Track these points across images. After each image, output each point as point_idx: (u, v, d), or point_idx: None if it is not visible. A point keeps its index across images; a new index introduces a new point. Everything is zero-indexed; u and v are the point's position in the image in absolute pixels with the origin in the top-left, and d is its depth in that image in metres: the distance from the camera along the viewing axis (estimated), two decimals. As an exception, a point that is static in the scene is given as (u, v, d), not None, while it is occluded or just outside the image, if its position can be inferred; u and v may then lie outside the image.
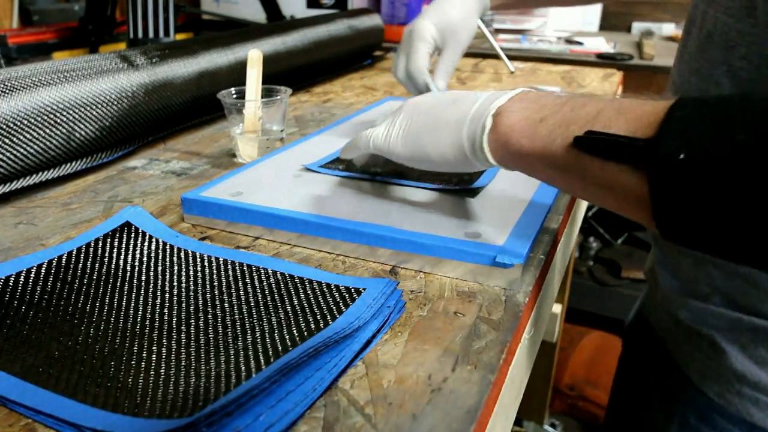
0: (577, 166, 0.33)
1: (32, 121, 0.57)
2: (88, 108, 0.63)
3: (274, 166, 0.58)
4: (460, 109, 0.40)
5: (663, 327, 0.59)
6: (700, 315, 0.52)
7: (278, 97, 0.66)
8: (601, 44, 1.41)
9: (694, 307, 0.53)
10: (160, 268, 0.43)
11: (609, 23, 1.85)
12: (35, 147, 0.58)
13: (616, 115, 0.31)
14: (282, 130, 0.67)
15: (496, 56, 1.17)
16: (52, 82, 0.60)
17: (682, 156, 0.27)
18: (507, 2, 0.75)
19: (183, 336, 0.35)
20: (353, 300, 0.38)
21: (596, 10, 1.77)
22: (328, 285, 0.40)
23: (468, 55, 1.32)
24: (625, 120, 0.31)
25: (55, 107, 0.59)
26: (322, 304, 0.38)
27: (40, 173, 0.60)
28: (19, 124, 0.56)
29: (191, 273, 0.42)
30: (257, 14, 1.46)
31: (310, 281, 0.41)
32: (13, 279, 0.41)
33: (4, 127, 0.55)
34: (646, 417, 0.63)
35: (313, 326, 0.35)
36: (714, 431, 0.53)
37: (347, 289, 0.39)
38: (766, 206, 0.25)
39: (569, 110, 0.34)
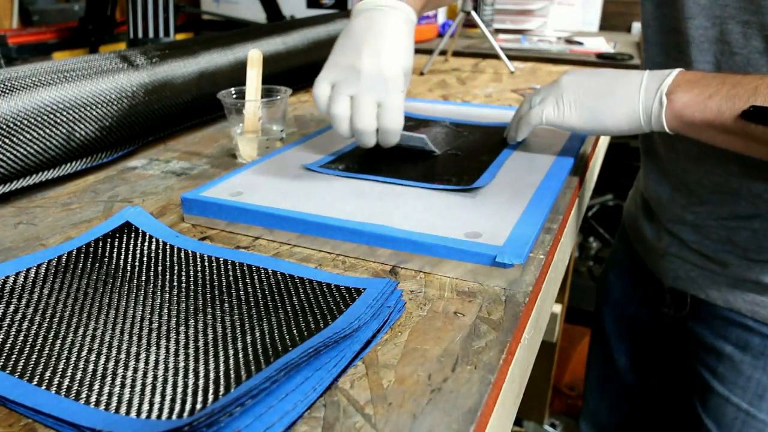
0: (743, 132, 0.45)
1: (32, 121, 0.57)
2: (88, 108, 0.63)
3: (274, 166, 0.58)
4: (628, 88, 0.51)
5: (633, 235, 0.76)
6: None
7: (278, 97, 0.66)
8: (601, 44, 1.41)
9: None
10: (160, 268, 0.43)
11: (609, 23, 1.85)
12: (35, 147, 0.58)
13: None
14: (282, 130, 0.67)
15: (496, 56, 1.17)
16: (52, 82, 0.60)
17: None
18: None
19: (183, 336, 0.35)
20: (353, 300, 0.38)
21: (596, 10, 1.76)
22: (328, 285, 0.40)
23: (468, 55, 1.32)
24: None
25: (55, 107, 0.59)
26: (322, 304, 0.38)
27: (40, 173, 0.60)
28: (19, 124, 0.56)
29: (191, 273, 0.42)
30: (257, 14, 1.46)
31: (310, 281, 0.41)
32: (13, 279, 0.41)
33: (4, 127, 0.55)
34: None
35: (313, 326, 0.35)
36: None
37: (347, 289, 0.39)
38: None
39: (731, 87, 0.45)
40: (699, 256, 0.64)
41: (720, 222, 0.60)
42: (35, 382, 0.31)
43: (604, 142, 0.85)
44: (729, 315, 0.62)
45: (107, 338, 0.35)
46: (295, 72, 0.97)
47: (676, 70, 0.50)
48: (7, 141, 0.55)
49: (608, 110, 0.52)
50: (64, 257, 0.44)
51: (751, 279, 0.59)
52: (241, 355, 0.33)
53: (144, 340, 0.35)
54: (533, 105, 0.57)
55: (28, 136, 0.57)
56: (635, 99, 0.50)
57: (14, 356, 0.33)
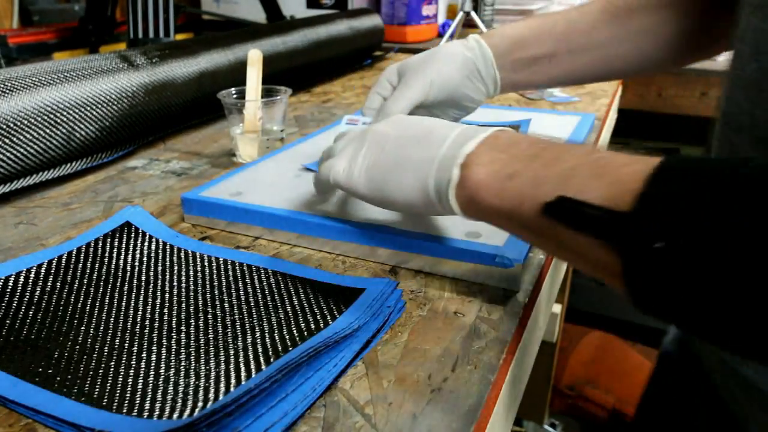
0: (548, 231, 0.29)
1: (32, 121, 0.57)
2: (88, 108, 0.63)
3: (274, 166, 0.58)
4: (427, 150, 0.37)
5: (715, 371, 0.51)
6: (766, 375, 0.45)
7: (278, 97, 0.66)
8: (601, 44, 1.41)
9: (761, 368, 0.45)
10: (160, 268, 0.43)
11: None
12: (35, 147, 0.58)
13: (591, 177, 0.28)
14: (282, 130, 0.67)
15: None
16: (52, 82, 0.60)
17: (658, 245, 0.23)
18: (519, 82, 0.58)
19: (183, 336, 0.35)
20: (353, 300, 0.38)
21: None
22: (328, 285, 0.40)
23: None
24: (601, 185, 0.27)
25: (55, 107, 0.59)
26: (322, 304, 0.38)
27: (40, 173, 0.60)
28: (19, 124, 0.56)
29: (191, 273, 0.42)
30: (257, 14, 1.46)
31: (310, 281, 0.41)
32: (13, 279, 0.41)
33: (4, 127, 0.55)
34: None
35: (313, 326, 0.35)
36: None
37: (347, 289, 0.39)
38: (753, 303, 0.22)
39: (541, 166, 0.30)
40: None
41: None
42: (35, 382, 0.31)
43: (604, 143, 0.85)
44: None
45: (107, 338, 0.35)
46: (295, 72, 0.97)
47: (490, 130, 0.35)
48: (7, 141, 0.55)
49: (397, 180, 0.38)
50: (64, 257, 0.44)
51: None
52: (241, 355, 0.33)
53: (144, 340, 0.35)
54: (331, 154, 0.45)
55: (28, 136, 0.57)
56: (429, 167, 0.36)
57: (14, 356, 0.33)
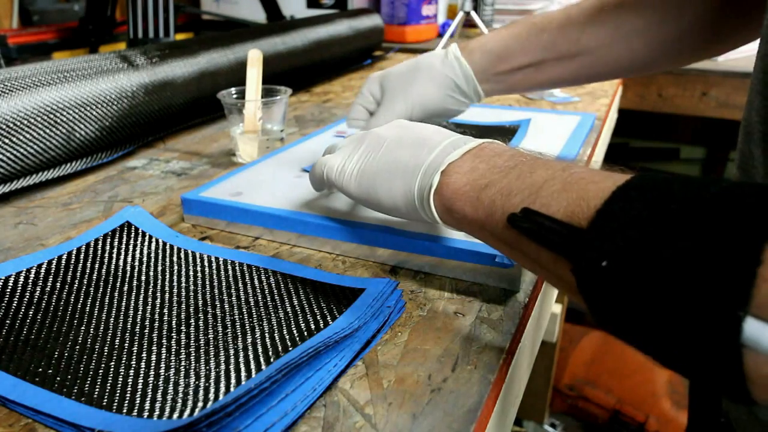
0: (515, 243, 0.29)
1: (32, 121, 0.57)
2: (88, 108, 0.63)
3: (274, 166, 0.58)
4: (418, 155, 0.36)
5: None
6: None
7: (278, 97, 0.66)
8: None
9: None
10: (160, 268, 0.43)
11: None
12: (35, 147, 0.58)
13: (560, 191, 0.27)
14: (282, 130, 0.67)
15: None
16: (52, 82, 0.60)
17: (604, 264, 0.23)
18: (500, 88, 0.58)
19: (183, 336, 0.35)
20: (353, 300, 0.38)
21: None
22: (328, 285, 0.40)
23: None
24: (567, 199, 0.27)
25: (55, 107, 0.59)
26: (322, 304, 0.38)
27: (40, 173, 0.60)
28: (19, 124, 0.56)
29: (191, 273, 0.42)
30: (257, 14, 1.46)
31: (310, 281, 0.41)
32: (13, 279, 0.41)
33: (4, 127, 0.55)
34: None
35: (313, 326, 0.35)
36: None
37: (347, 289, 0.39)
38: (698, 332, 0.21)
39: (515, 177, 0.30)
40: None
41: None
42: (35, 382, 0.31)
43: (604, 143, 0.85)
44: None
45: (107, 338, 0.35)
46: (295, 72, 0.97)
47: (479, 141, 0.35)
48: (7, 141, 0.55)
49: (386, 183, 0.38)
50: (64, 257, 0.44)
51: None
52: (241, 355, 0.33)
53: (144, 340, 0.35)
54: (331, 151, 0.46)
55: (28, 136, 0.57)
56: (417, 173, 0.36)
57: (14, 356, 0.33)
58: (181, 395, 0.30)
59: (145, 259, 0.44)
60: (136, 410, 0.29)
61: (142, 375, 0.32)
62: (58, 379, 0.31)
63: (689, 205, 0.22)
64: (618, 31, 0.52)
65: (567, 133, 0.68)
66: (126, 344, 0.34)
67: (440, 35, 1.58)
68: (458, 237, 0.42)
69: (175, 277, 0.42)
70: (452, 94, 0.55)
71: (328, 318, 0.36)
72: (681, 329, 0.21)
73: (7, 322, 0.36)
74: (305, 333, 0.35)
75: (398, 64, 0.57)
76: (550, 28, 0.54)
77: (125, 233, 0.48)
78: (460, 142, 0.36)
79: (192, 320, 0.37)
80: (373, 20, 1.24)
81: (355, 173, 0.40)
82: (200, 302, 0.39)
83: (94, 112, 0.63)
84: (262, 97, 0.65)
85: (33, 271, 0.42)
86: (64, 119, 0.60)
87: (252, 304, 0.38)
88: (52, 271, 0.42)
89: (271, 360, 0.32)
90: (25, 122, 0.57)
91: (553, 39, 0.53)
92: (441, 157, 0.35)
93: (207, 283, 0.41)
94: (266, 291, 0.40)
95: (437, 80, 0.54)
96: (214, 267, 0.43)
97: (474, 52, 0.55)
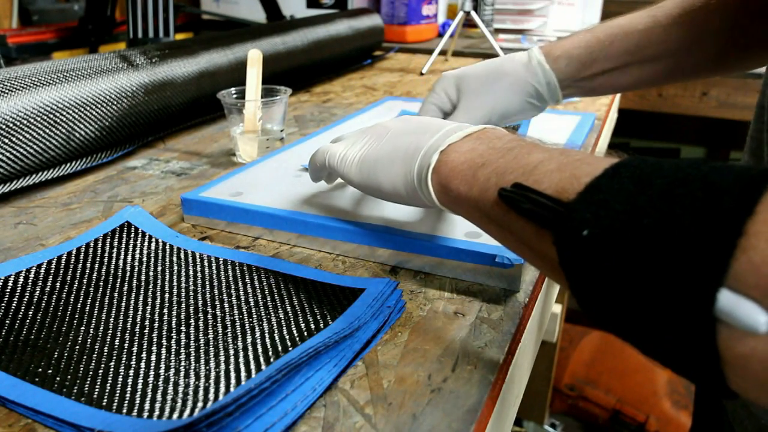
0: (504, 220, 0.29)
1: (32, 121, 0.57)
2: (88, 108, 0.62)
3: (274, 166, 0.58)
4: (419, 139, 0.36)
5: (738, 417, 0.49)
6: None
7: (278, 97, 0.66)
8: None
9: None
10: (160, 268, 0.43)
11: (609, 23, 1.84)
12: (35, 147, 0.58)
13: (554, 170, 0.27)
14: (282, 130, 0.67)
15: (496, 56, 1.17)
16: (52, 82, 0.60)
17: (585, 233, 0.23)
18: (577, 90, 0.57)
19: (183, 336, 0.35)
20: (353, 300, 0.38)
21: (596, 10, 1.76)
22: (328, 285, 0.40)
23: (468, 55, 1.32)
24: (560, 177, 0.26)
25: (55, 107, 0.59)
26: (322, 304, 0.38)
27: (40, 173, 0.60)
28: (19, 124, 0.56)
29: (191, 273, 0.42)
30: (257, 14, 1.46)
31: (311, 281, 0.41)
32: (13, 279, 0.41)
33: (4, 127, 0.55)
34: None
35: (313, 326, 0.35)
36: None
37: (347, 289, 0.39)
38: (673, 307, 0.20)
39: (512, 158, 0.30)
40: None
41: None
42: (35, 382, 0.31)
43: (604, 143, 0.85)
44: None
45: (107, 338, 0.35)
46: (295, 72, 0.97)
47: (482, 126, 0.35)
48: (7, 141, 0.55)
49: (386, 167, 0.38)
50: (64, 257, 0.44)
51: None
52: (241, 355, 0.33)
53: (144, 340, 0.35)
54: (336, 140, 0.46)
55: (28, 136, 0.57)
56: (417, 155, 0.36)
57: (14, 356, 0.33)
58: (180, 395, 0.30)
59: (144, 259, 0.44)
60: (135, 410, 0.29)
61: (142, 375, 0.32)
62: (58, 379, 0.31)
63: (676, 180, 0.22)
64: (702, 32, 0.52)
65: (567, 133, 0.68)
66: (126, 344, 0.34)
67: (440, 35, 1.58)
68: (458, 237, 0.42)
69: (174, 277, 0.42)
70: (531, 100, 0.55)
71: (328, 318, 0.36)
72: (656, 303, 0.21)
73: (7, 322, 0.36)
74: (305, 333, 0.35)
75: (475, 65, 0.56)
76: (636, 31, 0.53)
77: (125, 233, 0.48)
78: (463, 126, 0.36)
79: (192, 320, 0.37)
80: (373, 20, 1.24)
81: (356, 160, 0.40)
82: (200, 302, 0.39)
83: (94, 112, 0.63)
84: (262, 97, 0.65)
85: (33, 271, 0.42)
86: (64, 119, 0.60)
87: (252, 304, 0.38)
88: (52, 271, 0.42)
89: (271, 360, 0.32)
90: (25, 122, 0.57)
91: (638, 42, 0.53)
92: (442, 139, 0.35)
93: (207, 283, 0.41)
94: (266, 291, 0.40)
95: (519, 86, 0.54)
96: (213, 267, 0.43)
97: (559, 60, 0.54)
